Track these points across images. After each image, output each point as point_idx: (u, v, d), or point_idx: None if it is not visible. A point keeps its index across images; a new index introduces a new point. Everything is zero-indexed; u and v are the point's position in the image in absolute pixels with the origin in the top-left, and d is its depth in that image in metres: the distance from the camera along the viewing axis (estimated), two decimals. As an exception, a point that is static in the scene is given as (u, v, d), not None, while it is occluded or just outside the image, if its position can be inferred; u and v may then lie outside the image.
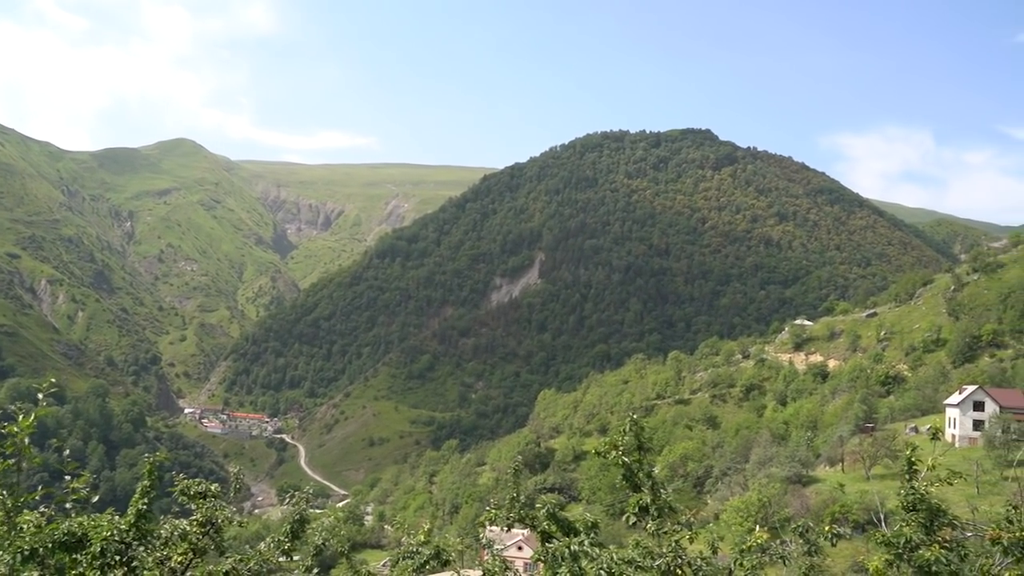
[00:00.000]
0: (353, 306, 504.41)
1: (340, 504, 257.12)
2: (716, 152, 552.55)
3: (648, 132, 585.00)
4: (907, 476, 7.70)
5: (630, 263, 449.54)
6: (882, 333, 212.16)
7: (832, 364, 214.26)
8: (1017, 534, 6.72)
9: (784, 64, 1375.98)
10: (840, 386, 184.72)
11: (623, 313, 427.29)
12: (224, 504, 9.73)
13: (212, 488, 9.93)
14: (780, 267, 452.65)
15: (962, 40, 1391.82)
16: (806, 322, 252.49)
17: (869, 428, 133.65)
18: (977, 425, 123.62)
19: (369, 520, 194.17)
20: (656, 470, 7.79)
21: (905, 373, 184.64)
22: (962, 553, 7.23)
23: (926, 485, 7.62)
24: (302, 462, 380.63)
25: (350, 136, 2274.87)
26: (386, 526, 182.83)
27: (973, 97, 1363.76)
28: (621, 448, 7.65)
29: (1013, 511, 7.02)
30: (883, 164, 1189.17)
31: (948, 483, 7.77)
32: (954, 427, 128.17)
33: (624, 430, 7.73)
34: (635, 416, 7.79)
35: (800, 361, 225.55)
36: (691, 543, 7.54)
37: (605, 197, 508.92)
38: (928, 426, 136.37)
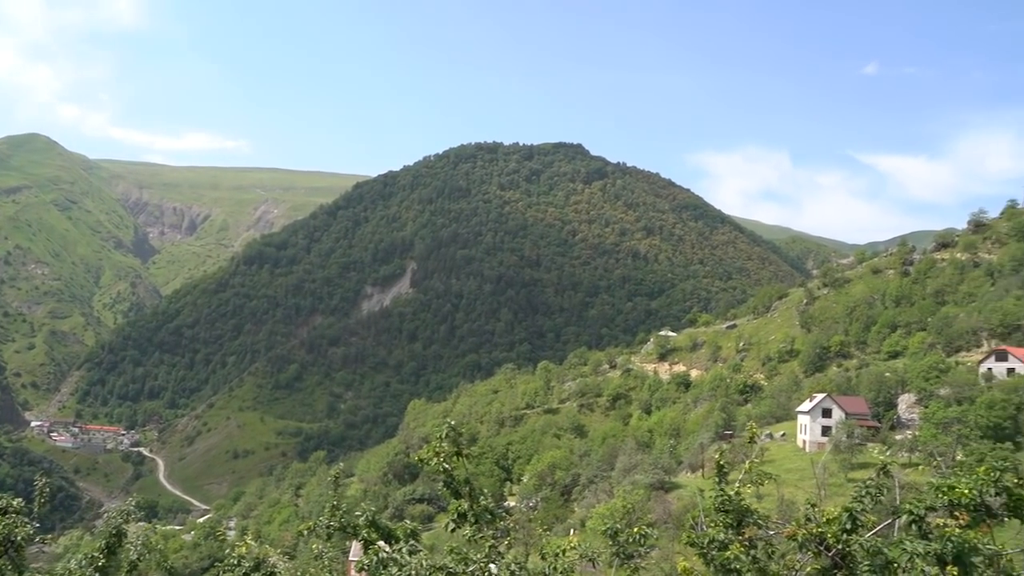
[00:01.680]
0: (218, 313, 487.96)
1: (201, 520, 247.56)
2: (587, 166, 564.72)
3: (521, 144, 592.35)
4: (717, 479, 7.96)
5: (501, 274, 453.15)
6: (741, 344, 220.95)
7: (694, 373, 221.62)
8: (814, 530, 7.03)
9: (654, 83, 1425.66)
10: (702, 395, 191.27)
11: (494, 323, 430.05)
12: (26, 521, 9.05)
13: (14, 504, 9.21)
14: (647, 279, 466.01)
15: (818, 69, 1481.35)
16: (670, 333, 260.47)
17: (728, 435, 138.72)
18: (825, 431, 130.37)
19: (232, 535, 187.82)
20: (477, 482, 7.77)
21: (762, 382, 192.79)
22: (769, 551, 7.51)
23: (739, 486, 7.89)
24: (161, 476, 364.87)
25: (218, 138, 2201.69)
26: (250, 541, 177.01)
27: (826, 123, 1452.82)
28: (442, 455, 7.60)
29: (811, 509, 7.35)
30: (744, 182, 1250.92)
31: (759, 484, 8.08)
32: (805, 433, 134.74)
33: (442, 437, 7.69)
34: (452, 423, 7.75)
35: (664, 371, 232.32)
36: (508, 548, 7.57)
37: (478, 208, 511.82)
38: (782, 432, 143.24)
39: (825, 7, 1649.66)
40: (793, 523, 7.40)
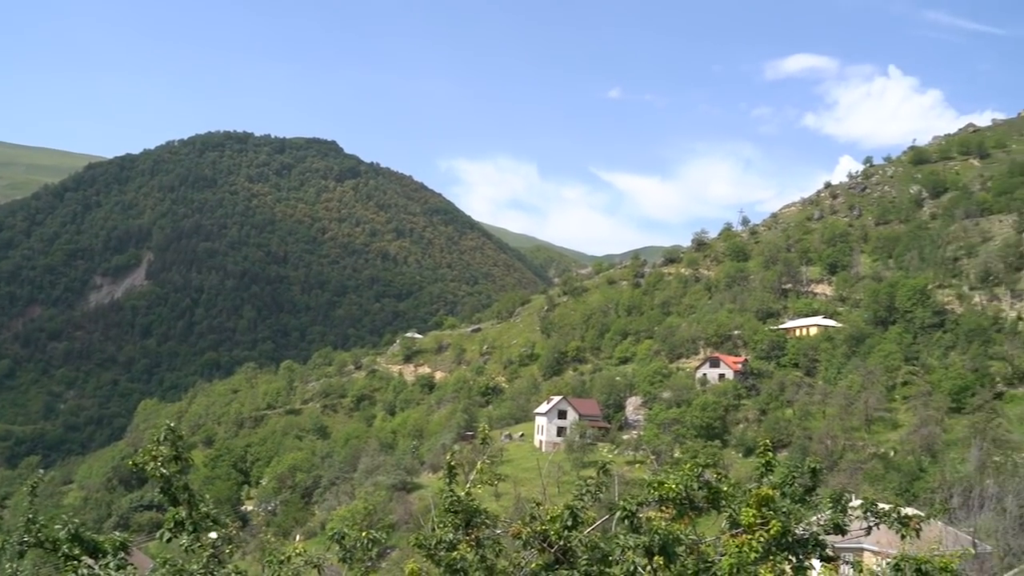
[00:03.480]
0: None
1: None
2: (340, 164, 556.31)
3: (274, 137, 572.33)
4: (447, 480, 8.08)
5: (246, 269, 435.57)
6: (485, 347, 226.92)
7: (439, 376, 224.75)
8: (538, 528, 7.31)
9: (413, 87, 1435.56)
10: (445, 396, 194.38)
11: (236, 320, 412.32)
12: None
13: None
14: (395, 281, 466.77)
15: (568, 89, 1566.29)
16: (416, 335, 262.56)
17: (470, 436, 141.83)
18: (561, 431, 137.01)
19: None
20: (193, 490, 7.36)
21: (503, 384, 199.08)
22: (497, 550, 7.72)
23: (470, 487, 8.04)
24: None
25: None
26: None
27: (573, 140, 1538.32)
28: (160, 460, 7.12)
29: (536, 507, 7.64)
30: (494, 191, 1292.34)
31: (491, 484, 8.29)
32: (542, 433, 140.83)
33: (159, 439, 7.21)
34: (171, 424, 7.29)
35: (410, 372, 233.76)
36: (231, 556, 7.27)
37: (224, 199, 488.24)
38: (520, 433, 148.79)
39: (577, 29, 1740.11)
40: (519, 522, 7.66)
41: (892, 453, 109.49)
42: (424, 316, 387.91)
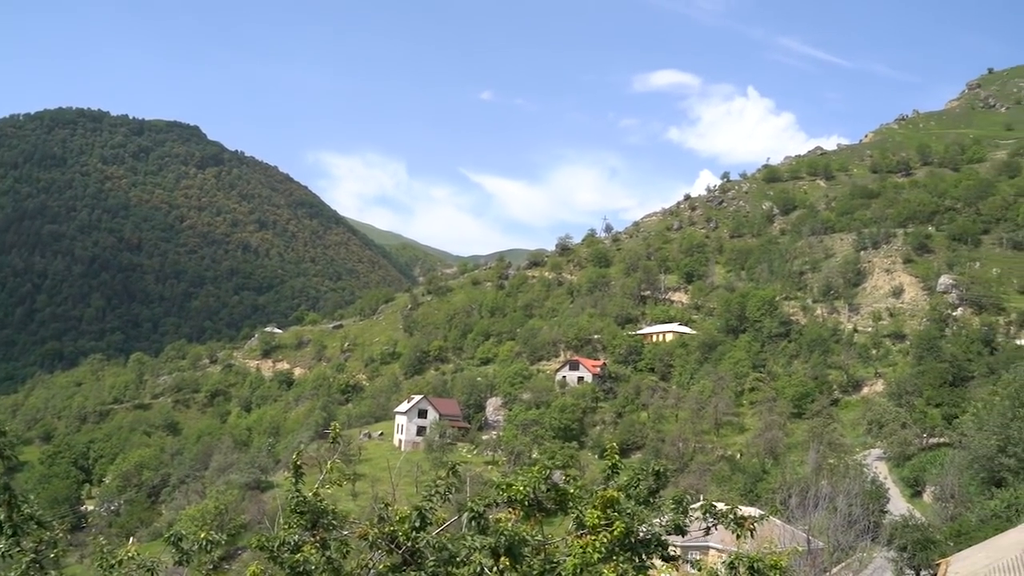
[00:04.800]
0: None
1: None
2: (203, 150, 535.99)
3: (132, 118, 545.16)
4: (293, 479, 7.92)
5: (96, 255, 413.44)
6: (346, 344, 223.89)
7: (298, 372, 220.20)
8: (386, 529, 7.26)
9: (284, 75, 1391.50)
10: (304, 393, 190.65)
11: (83, 309, 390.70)
12: None
13: None
14: (256, 274, 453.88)
15: (441, 88, 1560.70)
16: (276, 330, 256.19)
17: (327, 434, 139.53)
18: (421, 430, 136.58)
19: None
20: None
21: (364, 382, 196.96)
22: (344, 551, 7.61)
23: (318, 486, 7.91)
24: None
25: None
26: None
27: (443, 139, 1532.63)
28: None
29: (384, 508, 7.59)
30: (361, 186, 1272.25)
31: (338, 484, 8.18)
32: (402, 432, 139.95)
33: (-21, 436, 6.74)
34: (-7, 419, 6.84)
35: (268, 368, 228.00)
36: (56, 562, 6.87)
37: (74, 180, 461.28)
38: (380, 432, 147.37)
39: (451, 29, 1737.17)
40: (366, 523, 7.58)
41: (739, 455, 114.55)
42: (285, 311, 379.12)
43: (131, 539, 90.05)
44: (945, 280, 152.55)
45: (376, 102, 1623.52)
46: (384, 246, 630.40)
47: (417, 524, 7.49)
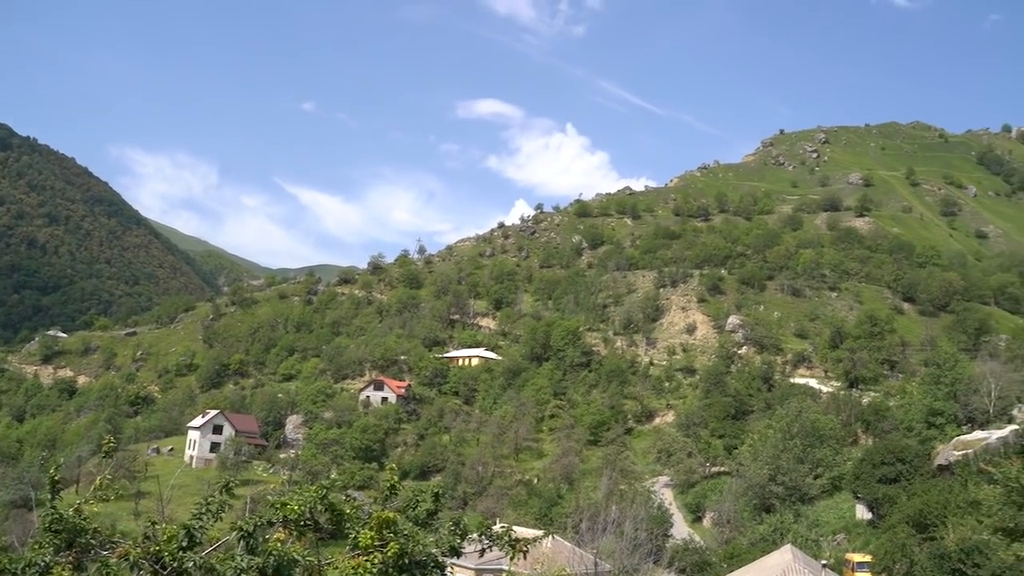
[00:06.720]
0: None
1: None
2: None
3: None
4: (50, 496, 7.47)
5: None
6: (139, 353, 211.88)
7: (82, 380, 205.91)
8: (151, 549, 6.97)
9: (85, 57, 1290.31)
10: (88, 404, 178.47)
11: None
12: None
13: None
14: (42, 272, 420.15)
15: (259, 92, 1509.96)
16: (60, 333, 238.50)
17: (114, 448, 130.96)
18: (215, 447, 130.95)
19: None
20: None
21: (156, 394, 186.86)
22: (104, 571, 7.24)
23: (81, 503, 7.49)
24: None
25: None
26: None
27: (258, 145, 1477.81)
28: None
29: (152, 527, 7.29)
30: (168, 187, 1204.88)
31: (105, 500, 7.78)
32: (194, 448, 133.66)
33: None
34: None
35: (48, 375, 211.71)
36: None
37: None
38: (170, 447, 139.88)
39: (274, 33, 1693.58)
40: (129, 542, 7.23)
41: (536, 480, 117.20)
42: (72, 314, 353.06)
43: None
44: (733, 320, 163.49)
45: (191, 100, 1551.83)
46: (188, 252, 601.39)
47: (184, 543, 7.22)
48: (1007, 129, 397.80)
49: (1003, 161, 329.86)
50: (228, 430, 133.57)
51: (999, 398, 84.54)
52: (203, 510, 7.64)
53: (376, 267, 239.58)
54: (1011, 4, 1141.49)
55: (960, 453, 67.06)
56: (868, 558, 54.31)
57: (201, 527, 7.50)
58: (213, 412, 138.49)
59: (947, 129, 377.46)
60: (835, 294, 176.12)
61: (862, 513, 72.90)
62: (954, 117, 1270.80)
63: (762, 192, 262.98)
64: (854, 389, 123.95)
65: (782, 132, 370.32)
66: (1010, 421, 79.03)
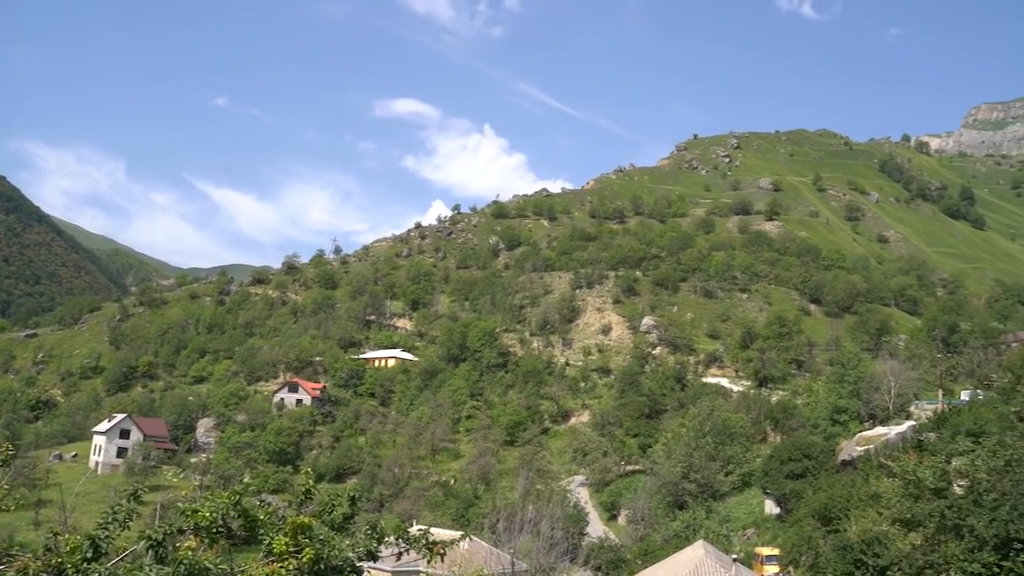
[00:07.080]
0: None
1: None
2: None
3: None
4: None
5: None
6: (40, 355, 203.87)
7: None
8: (53, 561, 6.75)
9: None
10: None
11: None
12: None
13: None
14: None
15: (168, 86, 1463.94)
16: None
17: (11, 455, 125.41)
18: (122, 452, 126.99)
19: None
20: None
21: (59, 398, 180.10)
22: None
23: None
24: None
25: None
26: None
27: (168, 141, 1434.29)
28: None
29: (53, 538, 7.05)
30: (72, 183, 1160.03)
31: (4, 510, 7.48)
32: (99, 454, 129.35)
33: None
34: None
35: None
36: None
37: None
38: (74, 453, 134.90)
39: (185, 24, 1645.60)
40: (28, 555, 6.97)
41: (453, 481, 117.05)
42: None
43: None
44: (648, 321, 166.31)
45: (97, 92, 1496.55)
46: (94, 250, 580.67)
47: (89, 555, 6.99)
48: (906, 139, 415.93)
49: (903, 169, 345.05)
50: (136, 434, 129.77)
51: (898, 395, 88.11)
52: (109, 518, 7.41)
53: (291, 267, 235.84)
54: (911, 19, 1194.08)
55: (862, 448, 69.54)
56: (776, 551, 55.86)
57: (107, 537, 7.27)
58: (120, 416, 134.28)
59: (852, 137, 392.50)
60: (746, 296, 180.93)
61: (771, 508, 74.97)
62: (858, 126, 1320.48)
63: (676, 195, 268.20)
64: (763, 388, 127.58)
65: (696, 137, 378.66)
66: (908, 417, 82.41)
